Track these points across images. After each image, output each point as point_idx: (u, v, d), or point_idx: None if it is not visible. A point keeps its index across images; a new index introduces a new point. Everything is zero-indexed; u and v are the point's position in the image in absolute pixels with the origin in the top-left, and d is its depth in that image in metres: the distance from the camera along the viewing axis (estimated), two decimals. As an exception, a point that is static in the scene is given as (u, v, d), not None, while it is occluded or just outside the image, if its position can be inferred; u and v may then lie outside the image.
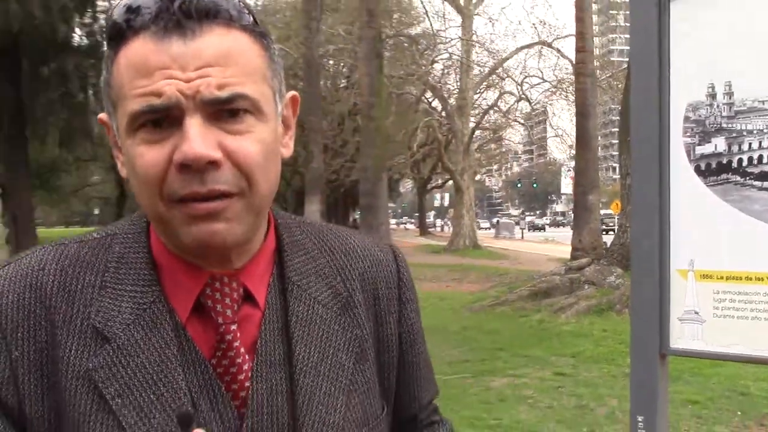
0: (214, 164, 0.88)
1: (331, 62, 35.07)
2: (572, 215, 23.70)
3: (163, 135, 0.88)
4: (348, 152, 34.57)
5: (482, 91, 34.60)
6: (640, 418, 1.73)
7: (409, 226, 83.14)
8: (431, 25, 30.62)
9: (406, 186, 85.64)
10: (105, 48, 0.94)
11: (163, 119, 0.88)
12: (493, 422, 6.04)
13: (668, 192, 1.69)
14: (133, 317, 0.94)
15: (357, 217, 67.25)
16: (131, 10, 0.88)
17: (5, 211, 21.61)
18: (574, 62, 24.84)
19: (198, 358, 0.95)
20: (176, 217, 0.90)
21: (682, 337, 1.70)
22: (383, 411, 1.10)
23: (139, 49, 0.88)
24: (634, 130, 1.75)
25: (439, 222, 79.77)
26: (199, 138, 0.86)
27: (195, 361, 0.95)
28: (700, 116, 1.67)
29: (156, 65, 0.86)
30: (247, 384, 0.97)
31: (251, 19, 0.93)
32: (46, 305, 0.94)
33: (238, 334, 0.97)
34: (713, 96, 1.67)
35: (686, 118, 1.69)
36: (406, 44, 30.61)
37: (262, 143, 0.92)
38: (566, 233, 31.92)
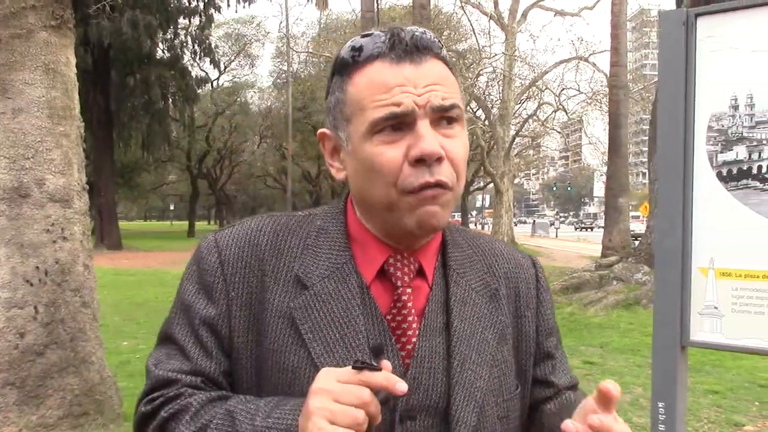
0: (439, 160, 1.03)
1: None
2: (603, 216, 23.33)
3: (397, 137, 1.03)
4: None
5: (523, 101, 34.31)
6: (660, 405, 1.71)
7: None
8: (477, 41, 30.37)
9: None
10: (333, 77, 1.11)
11: (398, 125, 1.03)
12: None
13: (691, 195, 1.67)
14: (328, 272, 1.09)
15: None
16: (374, 42, 1.05)
17: (92, 205, 22.10)
18: (608, 75, 24.51)
19: (376, 311, 1.08)
20: (405, 204, 1.04)
21: (701, 330, 1.68)
22: (517, 389, 1.18)
23: (378, 71, 1.04)
24: (660, 138, 1.72)
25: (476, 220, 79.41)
26: (431, 138, 1.02)
27: (373, 314, 1.08)
28: (722, 126, 1.64)
29: (394, 83, 1.03)
30: (414, 340, 1.09)
31: (445, 52, 1.11)
32: (260, 258, 1.11)
33: (412, 298, 1.10)
34: (736, 107, 1.64)
35: (710, 128, 1.66)
36: (454, 59, 30.48)
37: (465, 147, 1.09)
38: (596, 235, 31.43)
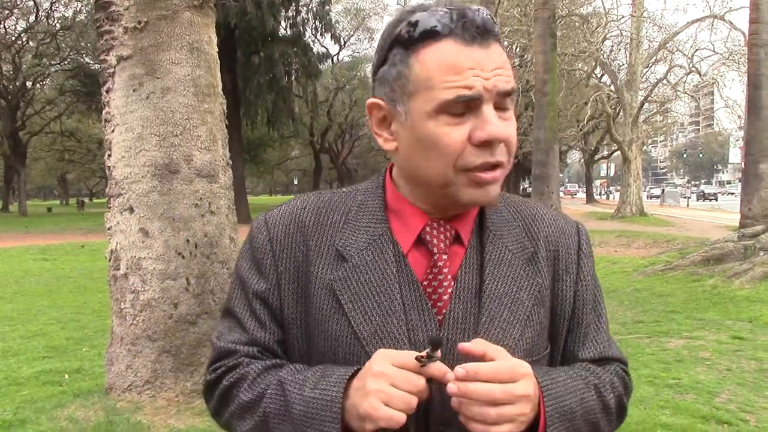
0: (500, 142, 1.07)
1: (505, 42, 34.47)
2: (740, 183, 22.01)
3: (462, 119, 1.06)
4: (521, 126, 33.99)
5: (651, 65, 32.83)
6: None
7: (576, 195, 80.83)
8: (603, 3, 29.23)
9: (573, 157, 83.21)
10: (392, 49, 1.09)
11: (464, 107, 1.05)
12: (672, 381, 5.72)
13: None
14: (365, 244, 1.14)
15: (526, 186, 66.23)
16: (441, 19, 1.05)
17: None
18: (746, 34, 22.94)
19: (412, 278, 1.13)
20: (461, 181, 1.08)
21: None
22: (547, 349, 1.20)
23: (449, 51, 1.04)
24: None
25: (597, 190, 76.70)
26: (497, 122, 1.06)
27: (410, 281, 1.13)
28: None
29: (466, 65, 1.04)
30: (449, 304, 1.13)
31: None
32: (305, 234, 1.17)
33: (447, 263, 1.15)
34: None
35: None
36: (577, 23, 29.49)
37: (515, 129, 1.12)
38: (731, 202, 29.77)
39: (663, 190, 61.16)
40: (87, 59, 43.38)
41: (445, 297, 1.13)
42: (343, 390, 1.03)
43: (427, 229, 1.15)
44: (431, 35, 1.05)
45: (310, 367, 1.11)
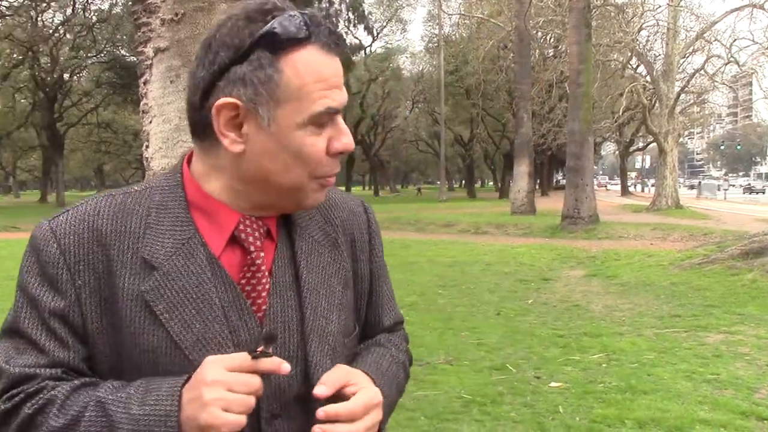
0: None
1: (539, 34, 34.14)
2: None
3: (322, 130, 1.09)
4: (555, 118, 33.66)
5: (688, 55, 32.25)
6: None
7: (609, 186, 79.85)
8: (639, -7, 28.82)
9: (607, 149, 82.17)
10: (255, 49, 1.05)
11: (328, 118, 1.09)
12: (711, 377, 5.63)
13: None
14: (173, 250, 1.09)
15: (560, 178, 65.55)
16: (306, 24, 1.05)
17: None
18: (788, 23, 22.46)
19: (228, 280, 1.11)
20: (312, 187, 1.12)
21: None
22: (356, 329, 1.28)
23: (315, 59, 1.06)
24: None
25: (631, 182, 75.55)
26: (348, 133, 1.12)
27: (226, 283, 1.10)
28: None
29: (329, 76, 1.07)
30: (267, 300, 1.13)
31: None
32: (102, 243, 1.09)
33: (265, 260, 1.14)
34: None
35: None
36: (613, 13, 29.10)
37: None
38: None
39: (699, 182, 60.19)
40: (122, 51, 43.96)
41: (264, 294, 1.13)
42: (178, 403, 1.00)
43: (241, 226, 1.13)
44: (298, 41, 1.04)
45: (129, 383, 1.05)
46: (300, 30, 1.04)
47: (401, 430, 4.61)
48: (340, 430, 1.04)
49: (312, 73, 1.05)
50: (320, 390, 1.06)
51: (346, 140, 1.11)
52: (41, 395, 1.04)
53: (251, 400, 1.00)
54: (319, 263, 1.19)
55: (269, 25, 1.04)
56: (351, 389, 1.09)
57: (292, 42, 1.04)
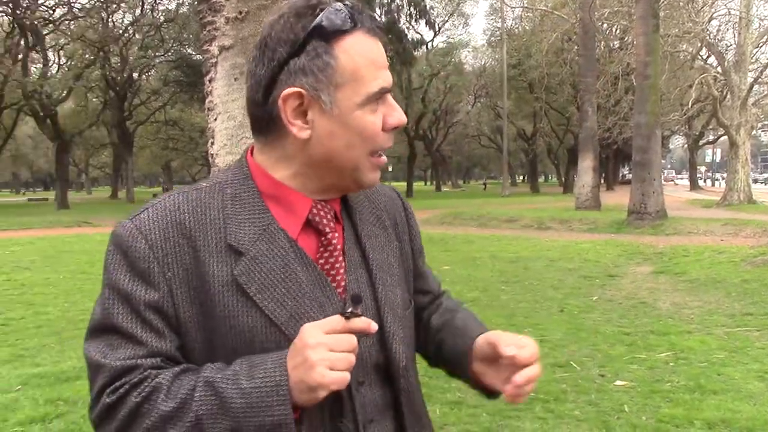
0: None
1: (604, 25, 33.45)
2: None
3: (377, 108, 1.17)
4: (621, 111, 32.97)
5: (762, 45, 31.15)
6: None
7: (677, 181, 77.79)
8: (709, -19, 27.98)
9: (675, 142, 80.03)
10: (311, 40, 1.14)
11: (381, 97, 1.18)
12: (785, 377, 5.46)
13: None
14: (256, 236, 1.16)
15: (626, 172, 64.23)
16: (350, 14, 1.14)
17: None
18: None
19: (308, 261, 1.20)
20: (370, 164, 1.21)
21: None
22: (412, 303, 1.39)
23: (361, 43, 1.15)
24: None
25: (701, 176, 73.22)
26: (400, 109, 1.21)
27: (307, 263, 1.19)
28: None
29: (377, 58, 1.17)
30: (346, 277, 1.23)
31: None
32: (187, 236, 1.15)
33: (340, 240, 1.24)
34: None
35: None
36: (681, 3, 28.32)
37: None
38: None
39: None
40: (189, 50, 44.86)
41: (342, 271, 1.23)
42: (286, 372, 1.06)
43: (314, 210, 1.22)
44: (345, 28, 1.14)
45: (227, 365, 1.10)
46: (345, 22, 1.14)
47: (463, 427, 4.60)
48: (532, 371, 1.19)
49: (363, 56, 1.15)
50: (510, 350, 1.20)
51: (398, 115, 1.20)
52: (146, 383, 1.09)
53: (352, 357, 1.07)
54: (378, 243, 1.30)
55: (319, 17, 1.13)
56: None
57: (342, 30, 1.14)
